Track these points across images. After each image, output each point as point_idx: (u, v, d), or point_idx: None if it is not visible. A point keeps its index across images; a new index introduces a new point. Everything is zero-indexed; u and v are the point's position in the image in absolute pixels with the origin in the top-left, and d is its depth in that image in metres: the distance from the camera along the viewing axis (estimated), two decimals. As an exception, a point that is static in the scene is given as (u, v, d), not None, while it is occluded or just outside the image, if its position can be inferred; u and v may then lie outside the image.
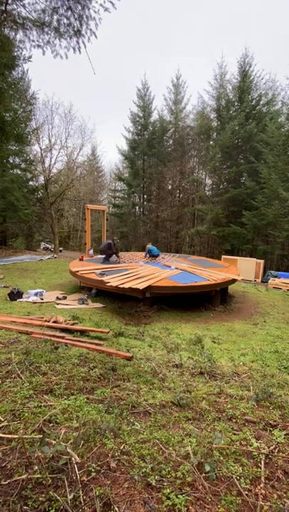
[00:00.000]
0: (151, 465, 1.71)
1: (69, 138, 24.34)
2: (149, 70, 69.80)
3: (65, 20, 4.88)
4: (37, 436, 1.83)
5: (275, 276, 12.83)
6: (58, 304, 6.98)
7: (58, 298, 7.42)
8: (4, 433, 1.90)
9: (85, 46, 5.08)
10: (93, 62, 5.46)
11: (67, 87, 53.46)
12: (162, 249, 22.03)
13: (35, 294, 7.54)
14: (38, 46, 5.10)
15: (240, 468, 1.75)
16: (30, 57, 12.80)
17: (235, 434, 2.11)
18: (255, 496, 1.56)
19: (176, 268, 8.97)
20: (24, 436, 1.80)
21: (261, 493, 1.57)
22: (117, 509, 1.40)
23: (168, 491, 1.54)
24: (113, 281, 6.83)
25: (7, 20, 4.99)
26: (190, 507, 1.45)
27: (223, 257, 15.30)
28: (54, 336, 4.14)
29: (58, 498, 1.42)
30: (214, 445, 1.89)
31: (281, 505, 1.50)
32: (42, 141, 22.57)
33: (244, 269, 13.63)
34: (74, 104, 47.37)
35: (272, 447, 1.99)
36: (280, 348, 4.56)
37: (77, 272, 8.12)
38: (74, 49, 5.08)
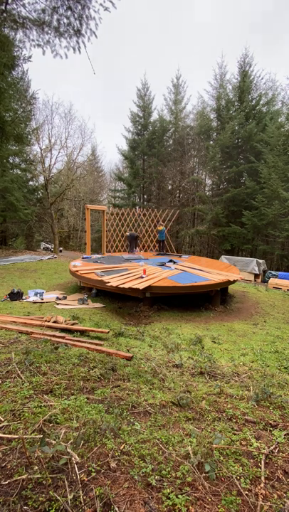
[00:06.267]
0: (151, 465, 1.71)
1: (69, 138, 24.35)
2: (149, 70, 69.84)
3: (65, 20, 4.87)
4: (37, 436, 1.83)
5: (275, 276, 12.83)
6: (58, 304, 6.97)
7: (58, 298, 7.42)
8: (4, 433, 1.90)
9: (85, 46, 5.08)
10: (93, 62, 5.47)
11: (67, 86, 53.47)
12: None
13: (35, 294, 7.54)
14: (38, 46, 5.09)
15: (240, 468, 1.75)
16: (30, 57, 12.80)
17: (235, 434, 2.11)
18: (255, 496, 1.56)
19: (176, 268, 8.97)
20: (24, 436, 1.80)
21: (261, 493, 1.57)
22: (117, 509, 1.40)
23: (168, 491, 1.53)
24: (113, 281, 6.83)
25: (7, 19, 4.99)
26: (190, 507, 1.45)
27: (223, 256, 15.30)
28: (54, 336, 4.14)
29: (58, 498, 1.42)
30: (214, 445, 1.89)
31: (281, 506, 1.50)
32: (42, 141, 22.57)
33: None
34: (74, 104, 47.37)
35: (272, 447, 1.99)
36: (280, 348, 4.56)
37: (77, 271, 8.12)
38: (74, 49, 5.07)
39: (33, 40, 5.03)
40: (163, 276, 7.65)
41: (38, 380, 2.64)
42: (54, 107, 23.71)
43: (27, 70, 19.01)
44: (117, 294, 7.44)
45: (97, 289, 7.90)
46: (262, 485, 1.63)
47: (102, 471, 1.64)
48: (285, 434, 2.14)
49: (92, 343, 3.96)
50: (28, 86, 19.41)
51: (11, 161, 19.88)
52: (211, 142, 21.13)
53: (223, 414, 2.39)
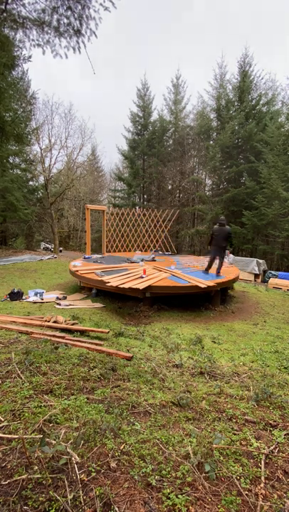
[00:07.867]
0: (151, 465, 1.71)
1: (69, 138, 24.33)
2: (149, 70, 69.86)
3: (65, 20, 4.86)
4: (37, 436, 1.83)
5: (275, 276, 12.82)
6: (58, 303, 6.97)
7: (58, 298, 7.42)
8: (4, 433, 1.89)
9: (85, 46, 5.07)
10: (93, 62, 5.47)
11: (67, 86, 53.47)
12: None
13: (35, 294, 7.54)
14: (38, 45, 5.08)
15: (240, 468, 1.75)
16: (30, 56, 12.80)
17: (235, 434, 2.11)
18: (255, 496, 1.56)
19: (176, 268, 8.96)
20: (24, 436, 1.80)
21: (261, 493, 1.57)
22: (117, 509, 1.40)
23: (168, 491, 1.53)
24: (113, 281, 6.83)
25: (7, 19, 4.98)
26: (190, 507, 1.45)
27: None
28: (54, 335, 4.13)
29: (58, 498, 1.42)
30: (214, 445, 1.89)
31: (281, 506, 1.50)
32: (42, 141, 22.58)
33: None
34: (74, 103, 47.32)
35: (272, 447, 1.99)
36: (280, 348, 4.56)
37: (77, 271, 8.12)
38: (74, 49, 5.07)
39: (33, 40, 5.03)
40: (163, 276, 7.65)
41: (38, 380, 2.64)
42: (54, 106, 23.68)
43: (27, 70, 19.04)
44: (117, 294, 7.44)
45: (97, 289, 7.90)
46: (262, 485, 1.63)
47: (102, 471, 1.64)
48: (285, 434, 2.14)
49: (92, 343, 3.96)
50: (28, 86, 19.42)
51: (11, 161, 19.87)
52: (211, 142, 21.14)
53: (223, 414, 2.39)
